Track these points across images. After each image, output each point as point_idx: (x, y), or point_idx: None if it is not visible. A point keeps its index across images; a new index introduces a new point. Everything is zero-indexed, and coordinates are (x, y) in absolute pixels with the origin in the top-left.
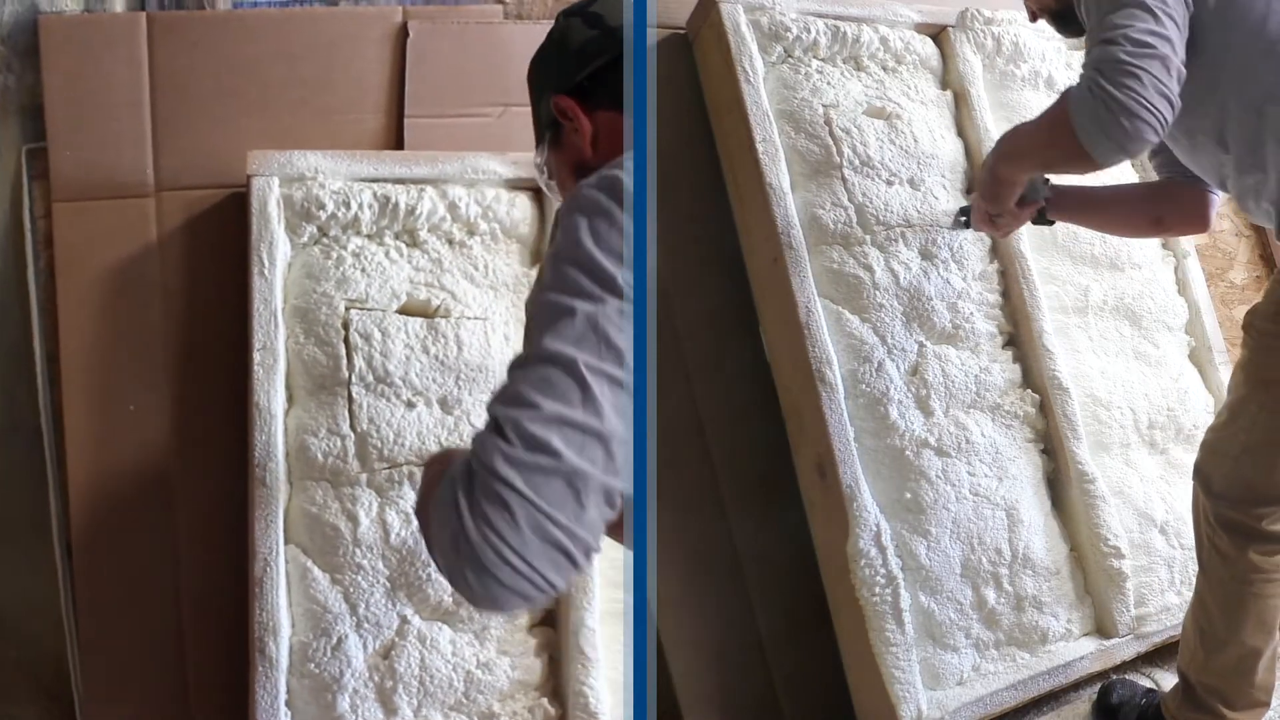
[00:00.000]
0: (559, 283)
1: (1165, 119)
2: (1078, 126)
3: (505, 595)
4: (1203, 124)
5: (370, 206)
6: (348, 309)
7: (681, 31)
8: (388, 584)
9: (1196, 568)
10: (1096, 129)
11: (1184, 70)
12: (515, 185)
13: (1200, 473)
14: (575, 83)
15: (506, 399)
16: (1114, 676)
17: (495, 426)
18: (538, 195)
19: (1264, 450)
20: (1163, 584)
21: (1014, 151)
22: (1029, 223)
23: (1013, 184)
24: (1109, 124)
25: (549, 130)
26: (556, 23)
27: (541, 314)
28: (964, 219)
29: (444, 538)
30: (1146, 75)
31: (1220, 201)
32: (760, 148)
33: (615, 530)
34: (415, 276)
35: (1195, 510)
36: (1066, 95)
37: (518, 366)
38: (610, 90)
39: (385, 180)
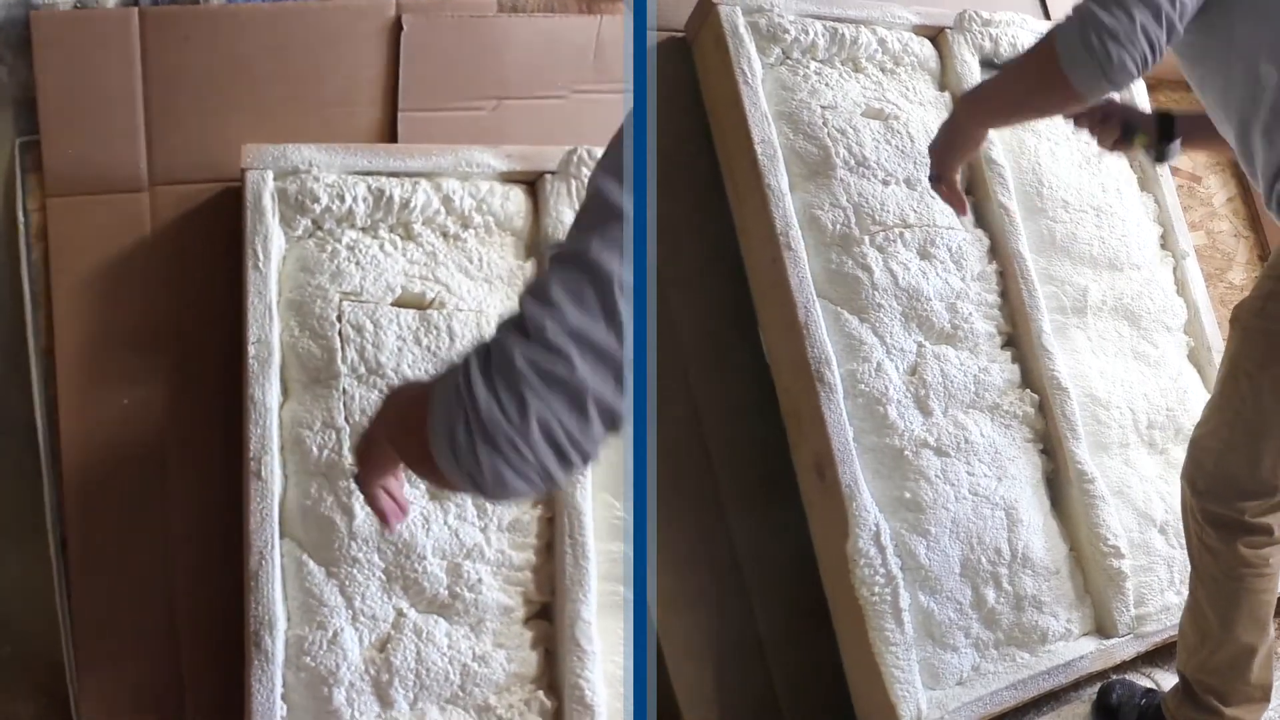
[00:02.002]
0: (618, 169)
1: (1146, 58)
2: (1061, 46)
3: (511, 477)
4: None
5: (364, 200)
6: (342, 301)
7: (680, 34)
8: (383, 577)
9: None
10: (1082, 52)
11: (1178, 24)
12: (509, 178)
13: (1186, 470)
14: None
15: (538, 296)
16: (1114, 676)
17: (520, 323)
18: (532, 188)
19: (1247, 443)
20: (1162, 583)
21: (981, 96)
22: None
23: (974, 138)
24: (1095, 47)
25: None
26: None
27: (597, 204)
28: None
29: (454, 415)
30: (1138, 14)
31: None
32: (759, 149)
33: None
34: (410, 269)
35: (1184, 509)
36: (1055, 27)
37: (559, 261)
38: None
39: (379, 173)
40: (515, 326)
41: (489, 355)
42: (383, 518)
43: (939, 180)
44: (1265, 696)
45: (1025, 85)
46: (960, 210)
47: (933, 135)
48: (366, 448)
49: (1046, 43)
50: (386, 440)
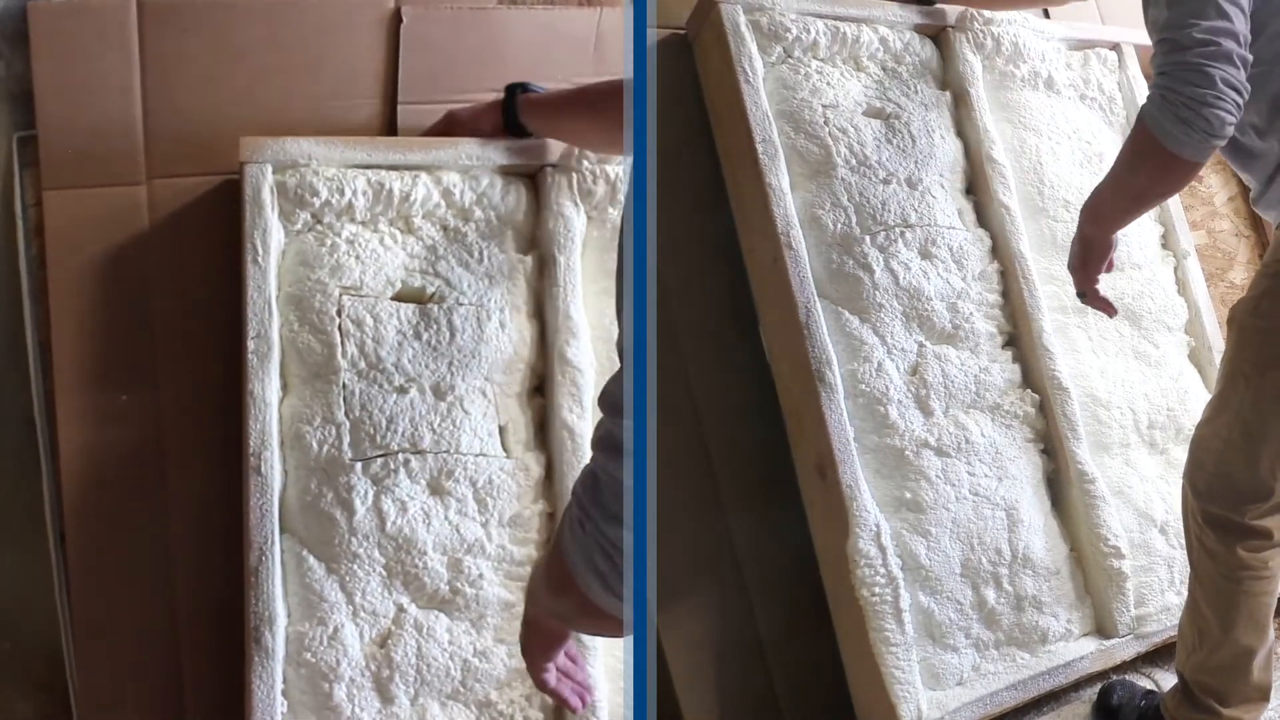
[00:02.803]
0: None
1: (1238, 103)
2: (1159, 132)
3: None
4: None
5: (364, 193)
6: (341, 296)
7: (681, 32)
8: (384, 573)
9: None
10: (1179, 127)
11: (1248, 55)
12: (510, 172)
13: (1188, 470)
14: None
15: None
16: (1114, 677)
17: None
18: (532, 182)
19: (1246, 444)
20: (1163, 584)
21: (1100, 202)
22: None
23: (1105, 245)
24: (1190, 118)
25: None
26: None
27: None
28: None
29: (590, 550)
30: (1214, 69)
31: None
32: (760, 148)
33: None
34: (410, 263)
35: (1184, 510)
36: (1141, 114)
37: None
38: None
39: (379, 167)
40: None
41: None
42: (567, 704)
43: (1086, 296)
44: (1264, 697)
45: (1141, 178)
46: (1110, 313)
47: (933, 135)
48: (528, 636)
49: (1141, 133)
50: (541, 616)
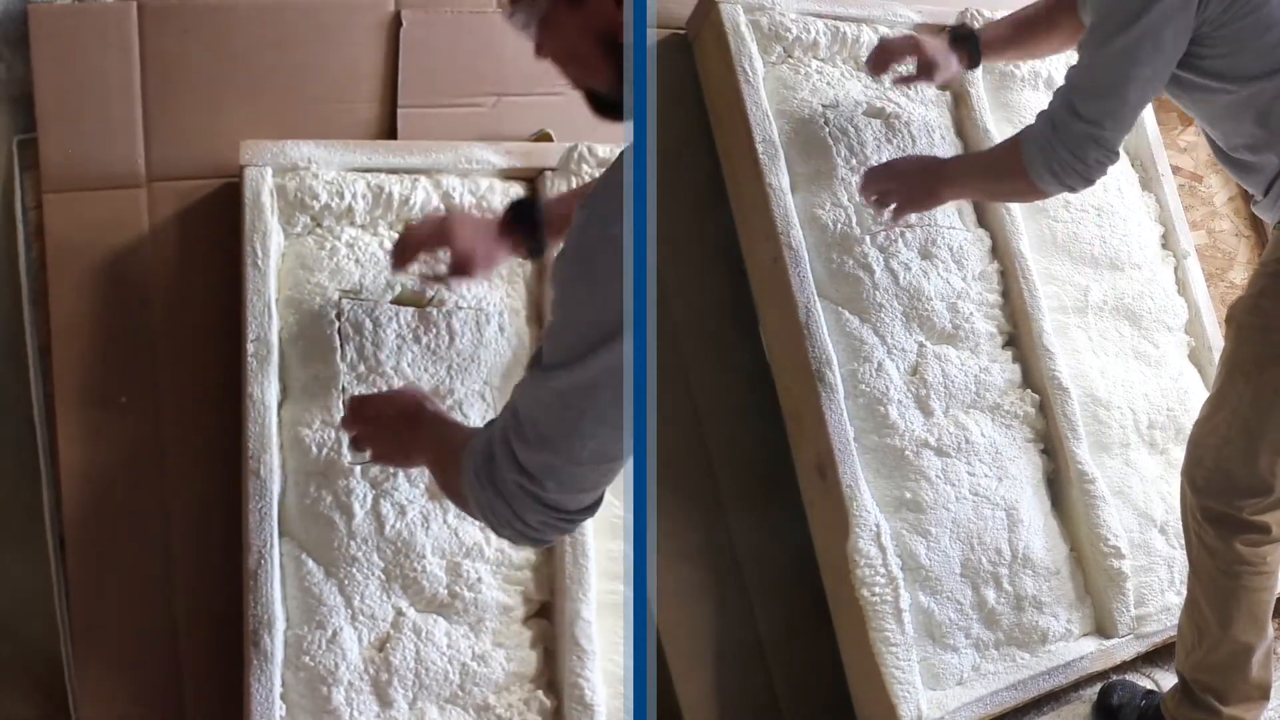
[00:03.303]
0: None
1: (1104, 173)
2: (1031, 169)
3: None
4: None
5: (364, 196)
6: (341, 299)
7: (681, 32)
8: (382, 576)
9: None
10: (1048, 175)
11: (1125, 135)
12: (509, 175)
13: (1186, 467)
14: None
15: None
16: (1114, 677)
17: (509, 446)
18: (531, 185)
19: (1244, 440)
20: (1163, 584)
21: (950, 178)
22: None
23: (940, 201)
24: (1061, 174)
25: None
26: None
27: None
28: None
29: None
30: (1102, 157)
31: None
32: (760, 148)
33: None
34: (409, 267)
35: (1183, 508)
36: (1023, 141)
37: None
38: None
39: (379, 170)
40: (508, 444)
41: (493, 470)
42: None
43: (876, 203)
44: (1264, 695)
45: (998, 187)
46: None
47: (933, 135)
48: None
49: (1016, 157)
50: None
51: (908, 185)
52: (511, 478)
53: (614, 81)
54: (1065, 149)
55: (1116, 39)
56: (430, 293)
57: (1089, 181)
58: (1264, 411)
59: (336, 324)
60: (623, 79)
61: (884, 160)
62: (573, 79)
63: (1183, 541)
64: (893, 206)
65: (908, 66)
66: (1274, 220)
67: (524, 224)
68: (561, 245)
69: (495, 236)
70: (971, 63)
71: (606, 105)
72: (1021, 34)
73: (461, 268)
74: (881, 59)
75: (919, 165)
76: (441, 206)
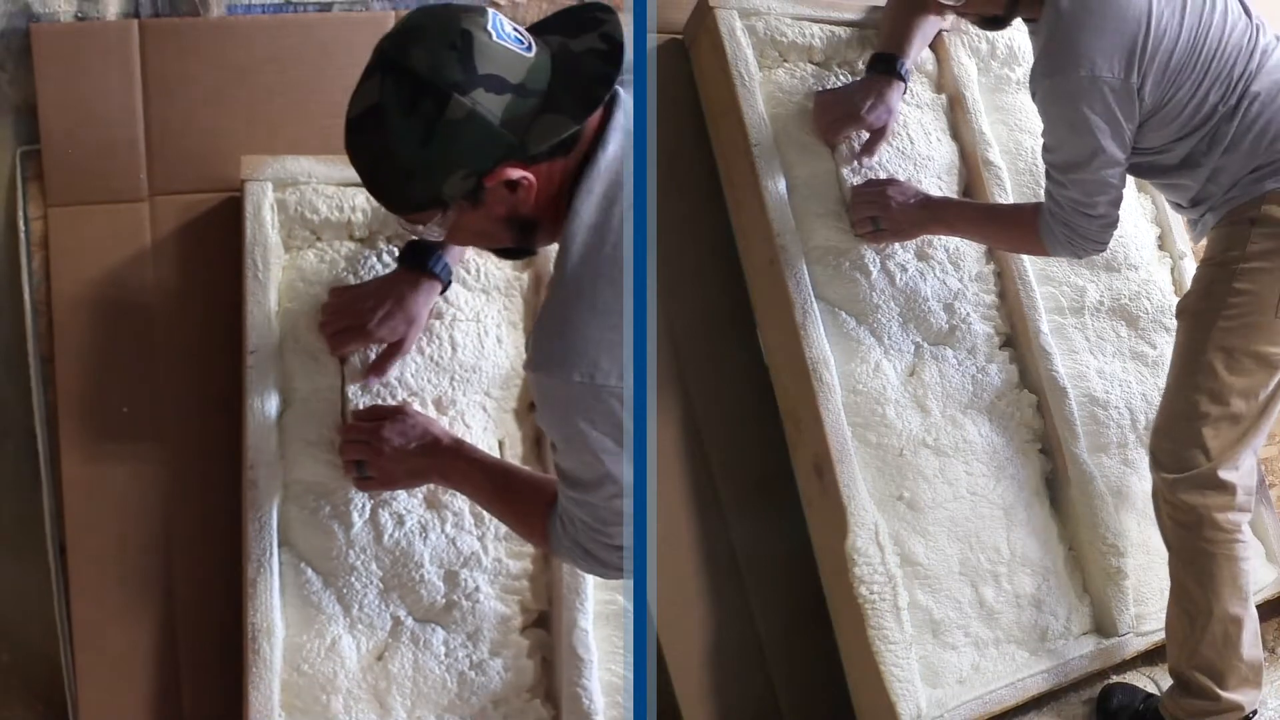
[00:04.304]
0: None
1: (1111, 237)
2: (1049, 242)
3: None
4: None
5: (363, 211)
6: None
7: (678, 37)
8: (381, 585)
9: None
10: (1064, 247)
11: (1124, 187)
12: None
13: (1152, 459)
14: (531, 152)
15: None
16: (1114, 678)
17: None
18: None
19: (1207, 412)
20: (1161, 582)
21: (955, 222)
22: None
23: (925, 233)
24: (1077, 249)
25: (460, 200)
26: (437, 103)
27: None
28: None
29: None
30: (1104, 239)
31: None
32: (756, 151)
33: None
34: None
35: (1155, 501)
36: (1041, 223)
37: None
38: (552, 141)
39: None
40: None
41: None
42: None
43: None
44: (1257, 676)
45: (1007, 245)
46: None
47: (929, 137)
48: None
49: (1032, 230)
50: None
51: (895, 220)
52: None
53: (518, 240)
54: (1085, 240)
55: (1077, 122)
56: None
57: (1101, 248)
58: (1224, 383)
59: None
60: (525, 237)
61: (880, 178)
62: (481, 248)
63: None
64: (878, 230)
65: (861, 136)
66: (1201, 239)
67: (423, 263)
68: (538, 395)
69: (406, 290)
70: (902, 79)
71: (514, 253)
72: (906, 21)
73: (397, 343)
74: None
75: (913, 204)
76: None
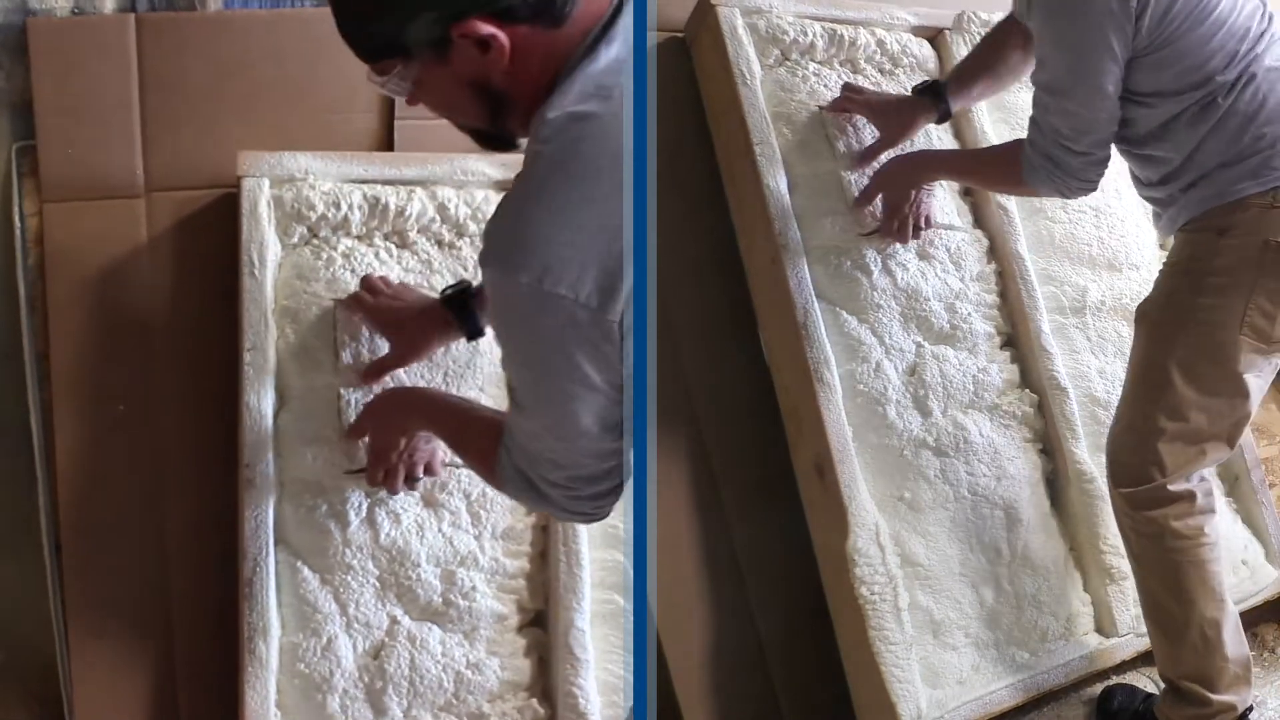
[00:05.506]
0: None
1: (1101, 177)
2: (1030, 178)
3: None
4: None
5: (360, 208)
6: (337, 308)
7: (680, 35)
8: (377, 584)
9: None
10: (1047, 183)
11: (1114, 129)
12: (504, 187)
13: (1109, 474)
14: (505, 4)
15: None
16: (1114, 679)
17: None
18: None
19: (1161, 426)
20: None
21: (938, 166)
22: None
23: (919, 184)
24: (1060, 186)
25: (426, 49)
26: None
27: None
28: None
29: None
30: (1094, 177)
31: None
32: (757, 149)
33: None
34: (405, 277)
35: (1116, 515)
36: (1024, 156)
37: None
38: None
39: (375, 181)
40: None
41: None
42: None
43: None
44: (1246, 672)
45: (990, 184)
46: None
47: (930, 136)
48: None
49: (1014, 165)
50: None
51: (890, 184)
52: (548, 493)
53: (489, 119)
54: (1070, 174)
55: (1068, 35)
56: None
57: (1088, 191)
58: (1180, 395)
59: (333, 333)
60: (497, 115)
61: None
62: (452, 121)
63: None
64: (887, 212)
65: (861, 138)
66: (1168, 236)
67: (457, 308)
68: (489, 292)
69: (430, 321)
70: (941, 115)
71: (490, 138)
72: (981, 63)
73: (398, 358)
74: (839, 106)
75: (898, 163)
76: (437, 218)
